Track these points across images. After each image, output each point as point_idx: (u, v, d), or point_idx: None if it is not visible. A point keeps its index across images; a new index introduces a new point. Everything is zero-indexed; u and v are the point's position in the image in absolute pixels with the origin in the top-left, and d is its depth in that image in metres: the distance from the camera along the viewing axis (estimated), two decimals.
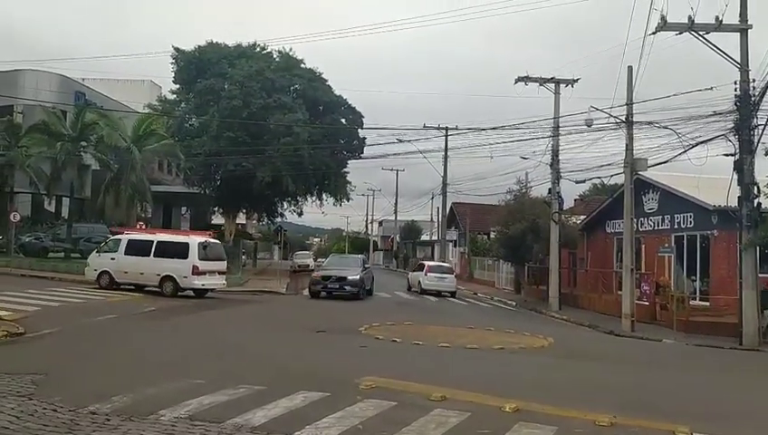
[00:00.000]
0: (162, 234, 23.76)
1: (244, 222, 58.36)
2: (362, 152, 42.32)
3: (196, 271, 21.14)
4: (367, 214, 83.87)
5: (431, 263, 36.01)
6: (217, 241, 23.96)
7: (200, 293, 21.98)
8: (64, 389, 7.64)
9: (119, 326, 14.53)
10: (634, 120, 20.83)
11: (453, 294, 31.00)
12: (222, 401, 7.32)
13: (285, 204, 45.06)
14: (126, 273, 21.92)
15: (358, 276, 24.74)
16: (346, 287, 24.24)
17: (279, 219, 47.95)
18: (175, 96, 41.38)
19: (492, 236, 40.98)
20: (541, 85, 26.32)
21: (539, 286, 30.42)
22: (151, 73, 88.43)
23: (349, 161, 43.29)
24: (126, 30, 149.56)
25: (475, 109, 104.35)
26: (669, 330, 19.17)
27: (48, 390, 7.56)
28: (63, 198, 38.02)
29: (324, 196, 43.90)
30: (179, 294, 21.42)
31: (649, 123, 21.26)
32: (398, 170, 63.73)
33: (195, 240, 22.23)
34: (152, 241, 22.05)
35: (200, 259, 21.33)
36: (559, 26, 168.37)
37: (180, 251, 21.46)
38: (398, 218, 68.21)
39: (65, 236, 32.64)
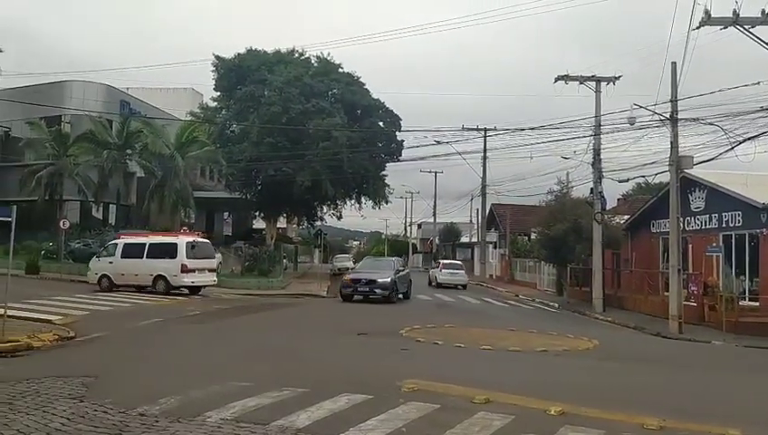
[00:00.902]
0: (154, 236, 24.72)
1: (285, 226, 58.98)
2: (400, 155, 42.38)
3: (185, 269, 22.20)
4: (405, 216, 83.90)
5: (445, 261, 42.97)
6: (206, 241, 24.83)
7: (193, 290, 22.84)
8: (114, 391, 7.83)
9: (165, 329, 14.82)
10: (679, 117, 20.36)
11: (464, 287, 35.78)
12: (266, 404, 7.40)
13: (325, 208, 45.36)
14: (123, 275, 23.03)
15: (389, 279, 24.23)
16: (376, 290, 23.87)
17: (319, 223, 48.33)
18: (216, 103, 42.09)
19: (532, 237, 40.52)
20: (581, 84, 25.93)
21: (582, 288, 29.95)
22: (193, 81, 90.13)
23: (387, 164, 43.38)
24: (168, 39, 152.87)
25: (513, 110, 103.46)
26: (718, 331, 18.66)
27: (98, 392, 7.76)
28: (110, 205, 39.07)
29: (363, 199, 44.06)
30: (172, 291, 22.38)
31: (694, 120, 20.77)
32: (436, 172, 63.62)
33: (183, 240, 23.25)
34: (145, 244, 23.18)
35: (188, 258, 22.40)
36: (596, 26, 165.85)
37: (170, 251, 22.50)
38: (436, 221, 67.97)
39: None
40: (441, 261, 42.91)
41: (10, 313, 12.43)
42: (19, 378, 8.46)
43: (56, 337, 12.50)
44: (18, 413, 6.70)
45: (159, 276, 22.35)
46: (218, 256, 35.28)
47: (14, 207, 13.13)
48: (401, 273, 26.12)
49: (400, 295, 25.80)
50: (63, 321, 14.70)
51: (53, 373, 8.81)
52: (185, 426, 6.45)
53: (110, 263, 23.27)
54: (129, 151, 34.79)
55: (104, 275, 23.27)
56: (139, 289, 22.49)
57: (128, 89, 46.96)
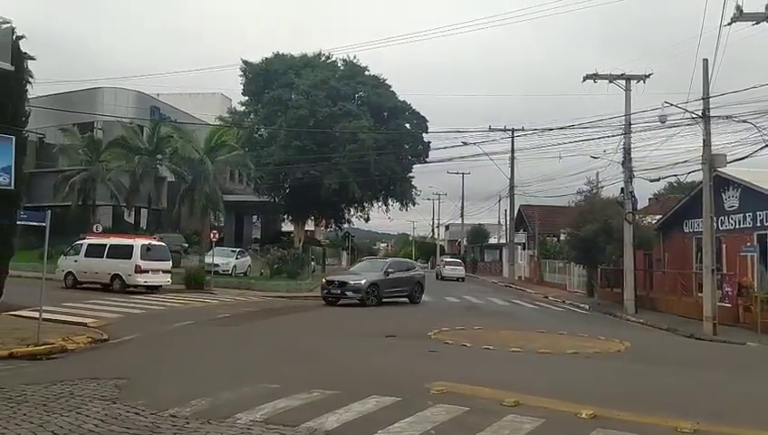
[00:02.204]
0: (114, 238, 25.74)
1: (313, 229, 59.26)
2: (427, 156, 42.36)
3: (139, 269, 23.43)
4: (433, 218, 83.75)
5: (448, 259, 53.67)
6: (162, 244, 25.92)
7: (150, 289, 23.81)
8: (146, 393, 7.94)
9: (196, 332, 14.99)
10: (711, 114, 19.98)
11: (462, 279, 45.65)
12: (296, 405, 7.43)
13: (352, 210, 45.52)
14: (85, 273, 24.41)
15: (362, 282, 23.32)
16: (347, 293, 23.27)
17: (346, 225, 48.50)
18: (244, 107, 42.53)
19: (562, 238, 40.14)
20: (611, 82, 25.59)
21: (613, 289, 29.54)
22: (221, 86, 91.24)
23: (414, 166, 43.38)
24: (197, 46, 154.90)
25: (540, 110, 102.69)
26: (753, 332, 18.24)
27: (131, 394, 7.88)
28: (142, 210, 39.68)
29: (390, 201, 44.11)
30: (127, 289, 23.35)
31: (727, 117, 20.37)
32: (463, 174, 63.43)
33: (138, 243, 24.43)
34: (105, 244, 24.26)
35: (143, 259, 23.60)
36: (624, 25, 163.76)
37: (126, 253, 23.78)
38: (464, 222, 67.70)
39: None
40: (444, 259, 54.04)
41: (45, 316, 12.68)
42: (54, 380, 8.63)
43: (90, 340, 12.73)
44: (53, 414, 6.84)
45: (116, 275, 23.68)
46: (247, 258, 35.71)
47: (49, 212, 13.41)
48: (394, 275, 24.37)
49: (404, 298, 24.76)
50: (97, 324, 14.96)
51: (87, 375, 8.98)
52: (215, 427, 6.52)
53: (75, 261, 24.62)
54: (159, 156, 35.34)
55: (69, 273, 24.63)
56: (105, 287, 23.65)
57: (158, 95, 47.71)
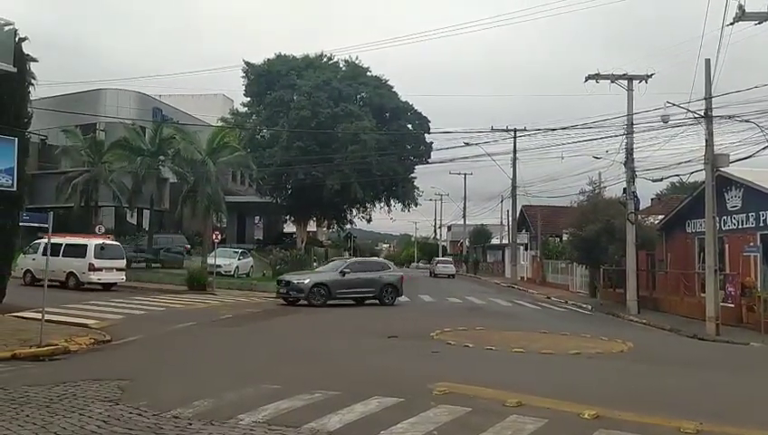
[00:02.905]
0: (70, 237, 25.72)
1: (315, 229, 59.29)
2: (429, 157, 42.36)
3: (92, 268, 24.34)
4: (435, 219, 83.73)
5: (439, 259, 60.27)
6: (116, 243, 26.56)
7: (105, 286, 24.69)
8: (148, 394, 7.95)
9: (198, 333, 15.00)
10: (713, 114, 19.95)
11: (453, 276, 50.63)
12: (298, 406, 7.44)
13: (354, 211, 45.53)
14: (42, 271, 24.03)
15: (306, 281, 23.32)
16: (291, 292, 23.24)
17: (348, 226, 48.54)
18: (246, 109, 42.56)
19: (564, 238, 40.11)
20: (612, 82, 25.55)
21: (615, 289, 29.50)
22: (223, 87, 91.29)
23: (416, 166, 43.38)
24: (199, 47, 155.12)
25: (543, 110, 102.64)
26: (756, 333, 18.22)
27: (133, 395, 7.89)
28: (144, 211, 39.70)
29: (392, 202, 44.15)
30: (83, 287, 24.06)
31: (729, 117, 20.32)
32: (465, 174, 63.42)
33: (92, 242, 25.08)
34: (62, 244, 24.20)
35: (96, 258, 24.49)
36: (626, 25, 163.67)
37: (80, 252, 24.51)
38: (466, 223, 67.67)
39: (146, 247, 33.97)
40: (437, 259, 60.64)
41: (48, 317, 12.71)
42: (57, 381, 8.64)
43: (92, 341, 12.75)
44: (55, 416, 6.85)
45: (71, 273, 24.49)
46: (249, 259, 35.73)
47: (51, 213, 13.44)
48: (353, 275, 23.83)
49: (372, 299, 24.11)
50: (99, 325, 14.98)
51: (90, 376, 8.99)
52: (218, 429, 6.52)
53: (33, 259, 24.90)
54: (161, 157, 35.33)
55: (28, 271, 25.06)
56: (61, 284, 24.20)
57: (160, 96, 47.76)
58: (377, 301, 24.22)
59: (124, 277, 25.72)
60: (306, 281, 23.49)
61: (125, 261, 25.92)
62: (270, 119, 39.40)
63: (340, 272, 24.02)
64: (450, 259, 60.64)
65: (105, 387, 8.34)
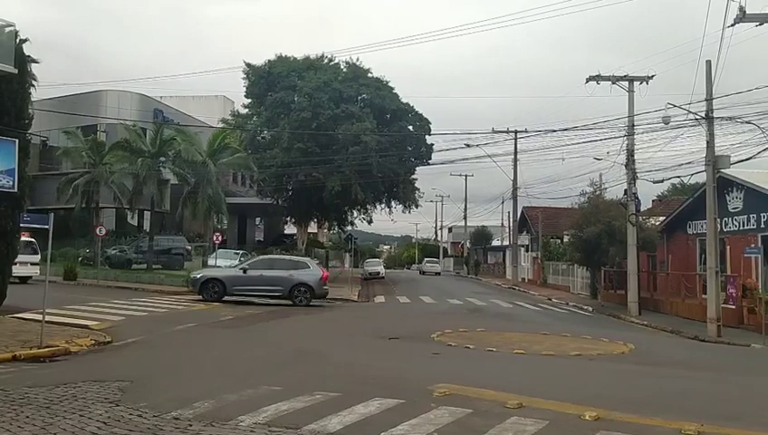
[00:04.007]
0: None
1: (316, 231, 59.26)
2: (430, 158, 42.28)
3: None
4: (436, 220, 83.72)
5: (427, 259, 66.85)
6: (32, 240, 26.08)
7: (22, 279, 24.34)
8: (149, 395, 7.94)
9: (199, 335, 15.00)
10: (714, 115, 19.95)
11: (438, 274, 57.33)
12: (298, 408, 7.43)
13: (355, 212, 45.48)
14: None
15: (198, 276, 23.58)
16: (191, 287, 23.77)
17: (349, 228, 48.45)
18: (247, 110, 42.51)
19: (565, 240, 40.09)
20: (613, 84, 25.60)
21: (616, 291, 29.49)
22: (224, 89, 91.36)
23: (417, 168, 43.33)
24: (200, 49, 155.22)
25: (544, 112, 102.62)
26: (757, 334, 18.19)
27: (134, 396, 7.88)
28: (145, 212, 39.74)
29: (393, 203, 44.08)
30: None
31: (730, 119, 20.33)
32: (466, 175, 63.42)
33: None
34: None
35: None
36: (626, 26, 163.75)
37: None
38: (467, 224, 67.67)
39: (147, 249, 34.01)
40: (426, 259, 66.55)
41: (48, 318, 12.72)
42: (57, 382, 8.64)
43: (93, 342, 12.75)
44: (56, 417, 6.84)
45: None
46: None
47: (52, 214, 13.44)
48: (256, 273, 23.07)
49: (280, 298, 23.21)
50: (100, 326, 14.99)
51: (90, 378, 8.98)
52: (218, 430, 6.51)
53: None
54: (162, 159, 35.35)
55: None
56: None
57: (161, 97, 47.79)
58: (289, 301, 22.93)
59: (38, 271, 25.84)
60: (199, 275, 23.63)
61: (39, 256, 25.93)
62: (271, 120, 39.37)
63: (241, 268, 23.68)
64: (436, 259, 68.45)
65: (105, 388, 8.33)
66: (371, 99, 40.06)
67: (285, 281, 23.08)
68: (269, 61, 41.27)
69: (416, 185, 44.09)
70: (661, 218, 31.00)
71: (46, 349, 11.54)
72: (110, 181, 35.23)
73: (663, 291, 27.76)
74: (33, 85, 17.85)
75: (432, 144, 41.59)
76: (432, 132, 41.53)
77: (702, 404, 8.87)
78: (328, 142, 37.09)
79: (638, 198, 26.20)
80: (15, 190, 14.83)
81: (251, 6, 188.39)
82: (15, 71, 15.05)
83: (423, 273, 58.29)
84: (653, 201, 42.26)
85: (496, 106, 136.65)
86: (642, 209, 28.65)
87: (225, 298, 22.74)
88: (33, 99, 17.73)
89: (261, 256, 26.59)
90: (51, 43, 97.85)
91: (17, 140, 14.92)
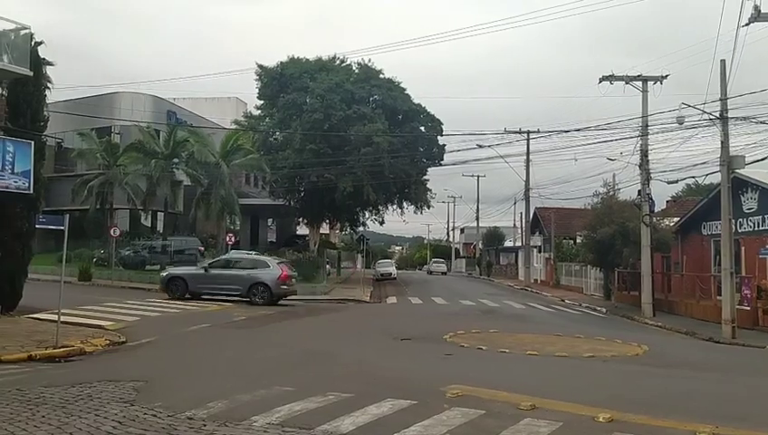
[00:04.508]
0: None
1: (328, 232, 59.35)
2: (442, 159, 42.23)
3: None
4: (448, 221, 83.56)
5: (435, 259, 70.68)
6: None
7: None
8: (163, 395, 7.99)
9: (212, 335, 15.07)
10: (729, 115, 19.79)
11: (444, 273, 61.00)
12: (311, 408, 7.45)
13: (367, 213, 45.49)
14: None
15: (164, 274, 24.19)
16: (160, 284, 24.26)
17: (361, 228, 48.48)
18: (259, 111, 42.64)
19: (578, 240, 39.89)
20: (627, 83, 25.42)
21: (630, 292, 29.31)
22: (237, 91, 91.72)
23: (428, 169, 43.29)
24: (214, 51, 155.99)
25: (556, 112, 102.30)
26: None
27: (148, 396, 7.94)
28: (158, 213, 40.02)
29: (405, 204, 44.05)
30: None
31: (745, 119, 20.17)
32: (478, 176, 63.25)
33: None
34: None
35: None
36: (639, 26, 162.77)
37: None
38: (479, 225, 67.50)
39: (160, 249, 34.20)
40: (433, 260, 70.70)
41: (64, 319, 12.82)
42: (72, 382, 8.72)
43: (108, 342, 12.86)
44: (71, 416, 6.90)
45: None
46: None
47: (67, 215, 13.56)
48: (217, 271, 23.25)
49: (239, 297, 22.87)
50: (115, 326, 15.10)
51: (105, 378, 9.06)
52: (231, 430, 6.55)
53: None
54: (175, 160, 35.58)
55: None
56: None
57: (174, 99, 48.05)
58: (247, 299, 22.74)
59: None
60: (164, 274, 24.07)
61: None
62: (283, 121, 39.47)
63: (203, 267, 23.88)
64: (443, 259, 71.29)
65: (120, 388, 8.40)
66: (383, 100, 40.06)
67: (243, 280, 22.87)
68: (281, 62, 41.38)
69: (427, 186, 44.06)
70: (675, 219, 30.78)
71: (62, 349, 11.64)
72: (124, 183, 35.50)
73: (677, 292, 27.57)
74: (49, 87, 18.04)
75: (444, 145, 41.57)
76: (444, 133, 41.50)
77: (717, 406, 8.80)
78: (340, 143, 37.14)
79: (652, 198, 26.01)
80: (31, 192, 15.01)
81: (264, 8, 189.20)
82: (31, 73, 15.23)
83: (430, 272, 61.46)
84: (667, 202, 42.00)
85: (508, 106, 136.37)
86: (656, 210, 28.44)
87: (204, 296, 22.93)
88: (48, 101, 17.92)
89: (225, 255, 26.45)
90: (65, 46, 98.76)
91: (33, 142, 15.11)
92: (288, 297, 24.12)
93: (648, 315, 24.48)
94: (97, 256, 34.75)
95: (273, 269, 23.33)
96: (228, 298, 22.74)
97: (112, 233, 31.77)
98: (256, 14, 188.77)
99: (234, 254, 26.76)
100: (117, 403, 7.56)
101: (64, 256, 13.55)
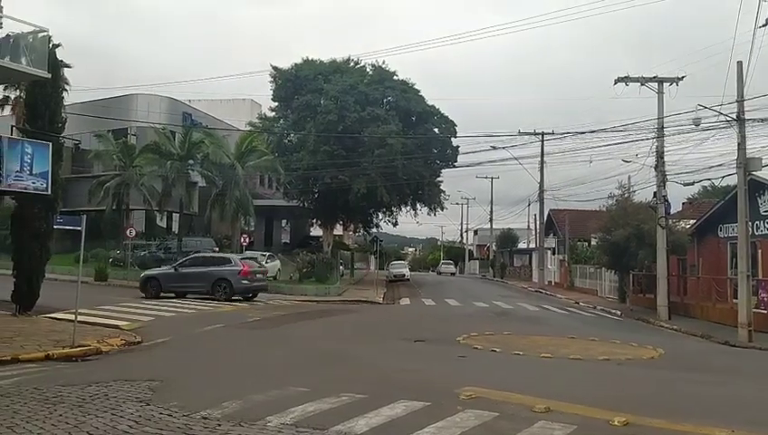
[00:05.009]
0: None
1: (341, 233, 59.44)
2: (456, 161, 42.19)
3: None
4: (461, 222, 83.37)
5: (444, 261, 73.72)
6: None
7: None
8: (179, 395, 8.05)
9: (226, 335, 15.15)
10: (746, 117, 19.61)
11: (453, 274, 64.46)
12: (325, 409, 7.47)
13: (380, 214, 45.52)
14: None
15: (141, 275, 25.18)
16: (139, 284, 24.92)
17: (375, 230, 48.51)
18: (274, 113, 42.81)
19: (593, 243, 39.66)
20: (642, 85, 25.24)
21: (645, 295, 29.08)
22: (252, 92, 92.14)
23: (442, 170, 43.24)
24: (228, 53, 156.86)
25: (571, 114, 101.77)
26: None
27: (164, 395, 8.00)
28: (173, 214, 40.27)
29: (418, 205, 44.02)
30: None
31: (762, 120, 19.97)
32: (492, 178, 63.04)
33: None
34: None
35: None
36: (655, 28, 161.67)
37: None
38: (493, 227, 67.29)
39: (176, 250, 34.43)
40: (442, 262, 73.50)
41: (80, 318, 12.96)
42: (89, 381, 8.80)
43: (123, 342, 12.97)
44: (88, 415, 6.98)
45: None
46: (276, 262, 35.98)
47: (84, 216, 13.69)
48: (187, 270, 23.90)
49: (204, 293, 23.33)
50: (130, 326, 15.23)
51: (121, 377, 9.14)
52: (246, 430, 6.59)
53: None
54: (191, 161, 35.79)
55: None
56: None
57: (189, 101, 48.36)
58: (211, 296, 23.12)
59: None
60: (142, 275, 25.03)
61: None
62: (297, 123, 39.60)
63: (173, 267, 24.62)
64: (451, 261, 74.17)
65: (136, 388, 8.47)
66: (397, 101, 40.08)
67: (208, 277, 23.60)
68: (296, 64, 41.52)
69: (441, 187, 44.03)
70: (691, 221, 30.51)
71: (78, 348, 11.76)
72: (139, 184, 35.79)
73: (693, 295, 27.31)
74: (66, 89, 18.23)
75: (458, 146, 41.53)
76: (458, 134, 41.46)
77: (733, 410, 8.71)
78: (354, 145, 37.21)
79: (667, 200, 25.79)
80: (49, 193, 15.16)
81: (279, 10, 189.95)
82: (49, 75, 15.39)
83: (440, 273, 64.95)
84: (683, 204, 41.65)
85: (523, 108, 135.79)
86: (672, 212, 28.20)
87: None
88: (65, 103, 18.10)
89: (193, 255, 27.13)
90: (82, 48, 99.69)
91: (51, 144, 15.26)
92: (250, 293, 24.52)
93: (663, 318, 24.29)
94: (113, 256, 35.04)
95: (234, 266, 24.13)
96: (196, 295, 23.50)
97: (128, 234, 32.00)
98: (272, 16, 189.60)
99: (201, 254, 27.85)
100: (133, 403, 7.63)
101: (81, 257, 13.67)
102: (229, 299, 22.94)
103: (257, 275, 24.71)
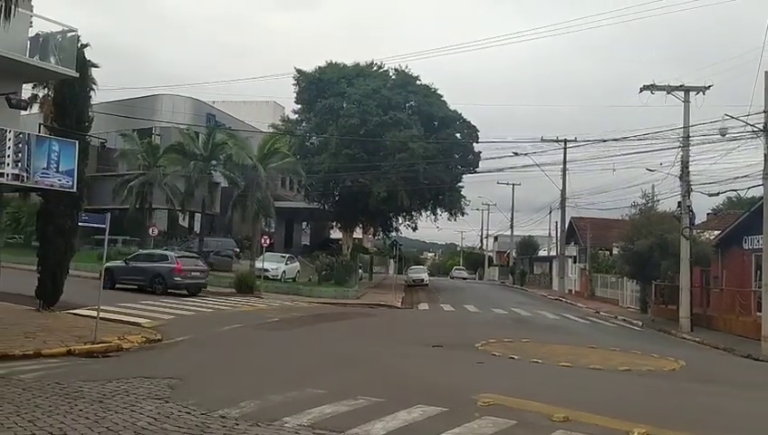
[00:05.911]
0: None
1: (361, 236, 59.48)
2: (477, 166, 42.04)
3: None
4: (482, 228, 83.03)
5: (456, 267, 77.79)
6: None
7: None
8: (197, 393, 8.11)
9: (245, 335, 15.23)
10: None
11: (465, 279, 65.79)
12: (342, 412, 7.47)
13: (400, 218, 45.48)
14: None
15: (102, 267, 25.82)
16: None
17: (394, 234, 48.49)
18: (297, 116, 43.01)
19: (614, 252, 39.25)
20: (668, 93, 24.97)
21: (668, 306, 28.71)
22: (275, 95, 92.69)
23: (463, 176, 43.10)
24: (253, 55, 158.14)
25: (595, 121, 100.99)
26: None
27: (183, 393, 8.06)
28: (195, 214, 40.56)
29: (439, 210, 43.90)
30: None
31: None
32: (513, 184, 62.74)
33: None
34: None
35: None
36: (682, 37, 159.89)
37: None
38: (514, 233, 66.91)
39: (197, 250, 34.68)
40: (455, 268, 77.89)
41: (102, 315, 13.09)
42: (110, 377, 8.90)
43: (144, 339, 13.08)
44: (108, 411, 7.05)
45: None
46: (296, 264, 36.11)
47: (108, 214, 13.86)
48: (135, 264, 25.25)
49: (145, 285, 24.56)
50: (151, 324, 15.37)
51: (141, 374, 9.22)
52: (263, 430, 6.61)
53: None
54: (213, 162, 36.07)
55: None
56: None
57: (213, 102, 48.78)
58: (151, 288, 24.38)
59: None
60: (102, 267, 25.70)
61: None
62: (319, 126, 39.75)
63: (124, 261, 25.91)
64: (463, 268, 78.37)
65: (156, 385, 8.55)
66: (419, 106, 40.06)
67: (147, 272, 24.98)
68: (319, 67, 41.69)
69: (462, 193, 43.88)
70: (716, 232, 30.07)
71: (100, 345, 11.89)
72: (163, 183, 36.14)
73: (716, 307, 26.89)
74: (93, 89, 18.48)
75: (480, 152, 41.38)
76: (480, 140, 41.31)
77: (754, 424, 8.57)
78: (375, 149, 37.24)
79: (692, 211, 25.45)
80: (75, 190, 15.37)
81: (304, 13, 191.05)
82: (77, 74, 15.62)
83: (452, 278, 68.25)
84: (708, 214, 41.06)
85: (546, 115, 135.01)
86: (696, 223, 27.81)
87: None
88: (92, 102, 18.34)
89: (141, 251, 28.40)
90: (110, 49, 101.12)
91: (77, 142, 15.47)
92: (185, 289, 25.00)
93: (685, 330, 23.96)
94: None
95: (170, 262, 25.39)
96: (138, 287, 24.49)
97: (151, 232, 32.31)
98: (297, 20, 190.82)
99: (146, 251, 28.75)
100: (152, 400, 7.70)
101: (105, 254, 13.84)
102: (163, 293, 24.02)
103: (193, 273, 25.66)
